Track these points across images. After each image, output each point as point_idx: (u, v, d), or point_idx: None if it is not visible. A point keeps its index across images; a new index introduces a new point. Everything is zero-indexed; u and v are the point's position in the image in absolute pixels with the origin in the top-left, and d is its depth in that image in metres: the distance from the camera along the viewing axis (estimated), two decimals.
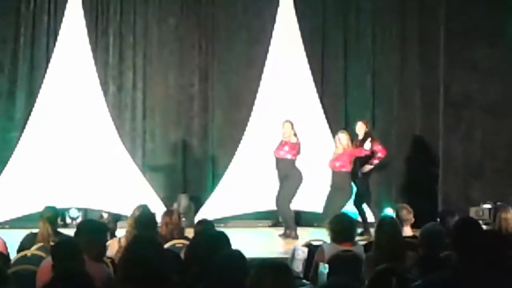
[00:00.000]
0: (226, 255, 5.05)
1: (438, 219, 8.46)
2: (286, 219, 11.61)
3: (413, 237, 7.57)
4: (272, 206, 12.03)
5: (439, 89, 14.00)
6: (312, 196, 12.29)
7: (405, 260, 6.16)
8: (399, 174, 14.08)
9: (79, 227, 5.95)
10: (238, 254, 4.94)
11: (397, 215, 8.13)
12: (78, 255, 5.42)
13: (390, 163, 14.00)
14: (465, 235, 4.73)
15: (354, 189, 11.72)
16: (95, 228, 5.90)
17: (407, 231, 7.95)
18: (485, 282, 4.31)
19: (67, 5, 13.47)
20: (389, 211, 11.66)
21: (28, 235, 7.96)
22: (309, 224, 12.80)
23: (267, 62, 13.78)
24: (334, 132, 13.58)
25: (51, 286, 4.20)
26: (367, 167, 11.91)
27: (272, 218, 13.36)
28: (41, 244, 7.55)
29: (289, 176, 11.51)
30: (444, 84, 13.96)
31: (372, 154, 11.91)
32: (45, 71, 13.40)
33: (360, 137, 12.04)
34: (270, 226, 13.35)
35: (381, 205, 12.99)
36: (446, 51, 13.97)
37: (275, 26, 13.88)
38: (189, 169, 14.05)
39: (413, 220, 8.20)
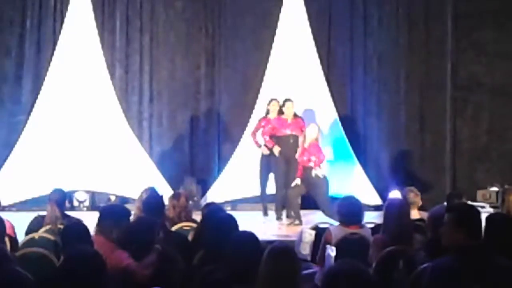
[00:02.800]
0: (239, 236, 5.07)
1: (445, 202, 8.47)
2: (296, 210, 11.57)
3: (420, 220, 7.58)
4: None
5: (447, 72, 13.98)
6: None
7: (412, 242, 6.17)
8: (406, 157, 14.06)
9: (103, 211, 5.97)
10: (251, 235, 4.97)
11: (404, 198, 8.13)
12: (86, 238, 5.45)
13: (397, 147, 14.00)
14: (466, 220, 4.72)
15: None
16: (120, 213, 5.92)
17: (415, 214, 7.95)
18: (493, 265, 4.31)
19: None
20: (396, 194, 11.65)
21: (36, 218, 7.99)
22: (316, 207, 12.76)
23: (274, 45, 13.76)
24: (340, 115, 13.65)
25: (62, 268, 4.21)
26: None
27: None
28: (49, 226, 7.58)
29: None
30: (452, 67, 13.93)
31: None
32: (52, 54, 13.41)
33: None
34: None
35: (388, 188, 12.98)
36: (453, 34, 13.94)
37: (282, 9, 13.85)
38: (196, 152, 14.05)
39: (420, 203, 8.22)
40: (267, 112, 12.13)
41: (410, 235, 6.26)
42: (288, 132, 11.81)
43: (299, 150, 11.63)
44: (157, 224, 6.01)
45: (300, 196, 11.61)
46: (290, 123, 11.85)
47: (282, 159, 11.73)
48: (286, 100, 12.02)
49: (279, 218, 11.72)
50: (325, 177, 11.20)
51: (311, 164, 11.19)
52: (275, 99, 12.17)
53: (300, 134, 11.80)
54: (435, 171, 13.88)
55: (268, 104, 12.14)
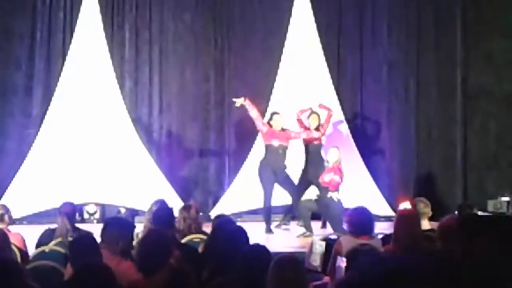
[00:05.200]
0: (250, 249, 5.07)
1: (456, 212, 8.44)
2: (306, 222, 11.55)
3: (431, 230, 7.55)
4: (288, 201, 12.05)
5: (456, 81, 13.97)
6: None
7: (423, 253, 6.14)
8: (416, 166, 14.04)
9: (107, 223, 5.96)
10: (263, 248, 4.97)
11: (414, 208, 8.10)
12: (96, 251, 5.44)
13: (407, 156, 13.98)
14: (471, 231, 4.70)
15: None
16: (123, 225, 5.91)
17: (425, 224, 7.91)
18: None
19: (83, 1, 13.53)
20: (406, 204, 11.61)
21: (46, 231, 7.99)
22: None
23: (283, 55, 13.77)
24: (350, 124, 13.64)
25: (72, 281, 4.22)
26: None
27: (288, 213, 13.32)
28: (59, 239, 7.58)
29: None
30: (461, 76, 13.92)
31: None
32: (62, 67, 13.44)
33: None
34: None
35: (398, 198, 12.93)
36: (462, 43, 13.94)
37: (291, 18, 13.87)
38: (206, 164, 14.06)
39: (430, 213, 8.18)
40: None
41: (421, 245, 6.23)
42: (277, 142, 11.84)
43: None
44: (171, 238, 5.99)
45: (311, 210, 11.58)
46: (279, 134, 11.86)
47: (270, 169, 11.74)
48: (274, 113, 12.07)
49: (268, 230, 11.72)
50: (339, 201, 11.16)
51: (330, 185, 11.17)
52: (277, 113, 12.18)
53: (287, 144, 11.86)
54: (445, 181, 13.84)
55: (271, 119, 12.11)
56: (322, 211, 11.60)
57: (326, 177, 11.16)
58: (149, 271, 4.88)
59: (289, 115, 12.43)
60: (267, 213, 11.88)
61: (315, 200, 11.40)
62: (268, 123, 12.03)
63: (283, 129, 11.96)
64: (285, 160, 11.83)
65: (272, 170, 11.72)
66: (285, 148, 11.84)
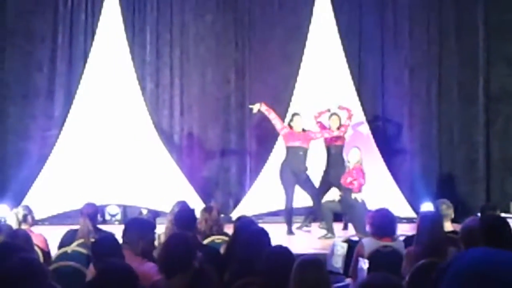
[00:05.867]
0: (273, 250, 5.06)
1: (479, 214, 8.40)
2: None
3: (453, 232, 7.52)
4: (310, 203, 12.03)
5: (478, 84, 13.90)
6: None
7: (446, 255, 6.11)
8: (438, 169, 13.99)
9: (128, 223, 5.96)
10: (286, 249, 4.97)
11: (436, 210, 8.07)
12: (118, 251, 5.44)
13: (429, 158, 13.94)
14: (495, 232, 4.69)
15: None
16: (144, 225, 5.91)
17: (447, 226, 7.87)
18: None
19: (104, 3, 13.57)
20: (428, 206, 11.58)
21: (68, 232, 8.03)
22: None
23: (304, 58, 13.76)
24: (371, 127, 13.60)
25: (95, 281, 4.22)
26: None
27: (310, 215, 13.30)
28: (82, 240, 7.61)
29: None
30: (484, 78, 13.85)
31: None
32: (83, 69, 13.49)
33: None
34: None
35: (420, 200, 12.91)
36: (484, 45, 13.88)
37: (312, 21, 13.85)
38: (227, 165, 14.08)
39: (452, 215, 8.13)
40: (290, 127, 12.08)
41: (444, 247, 6.20)
42: (297, 144, 11.83)
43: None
44: (195, 240, 5.98)
45: (333, 211, 11.56)
46: (300, 136, 11.84)
47: (290, 171, 11.73)
48: (294, 114, 12.06)
49: (290, 232, 11.71)
50: (363, 202, 11.13)
51: (353, 186, 11.14)
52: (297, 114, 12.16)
53: (308, 146, 11.85)
54: (468, 183, 13.79)
55: (291, 120, 12.09)
56: (345, 212, 11.57)
57: (348, 179, 11.13)
58: (171, 273, 4.88)
59: (310, 117, 12.42)
60: (288, 215, 11.86)
61: (338, 201, 11.37)
62: (289, 124, 12.01)
63: (303, 130, 11.94)
64: (305, 162, 11.81)
65: (292, 172, 11.71)
66: (305, 150, 11.83)
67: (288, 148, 11.87)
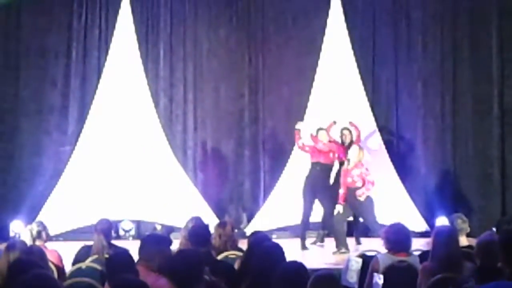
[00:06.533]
0: (288, 266, 5.04)
1: (494, 228, 8.35)
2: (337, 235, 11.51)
3: (469, 246, 7.47)
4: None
5: (492, 97, 13.84)
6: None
7: (462, 270, 6.07)
8: (453, 182, 13.93)
9: (145, 240, 5.95)
10: (300, 265, 4.95)
11: (451, 224, 8.02)
12: (132, 267, 5.43)
13: (444, 172, 13.88)
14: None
15: None
16: (161, 241, 5.89)
17: (463, 240, 7.83)
18: None
19: (118, 19, 13.61)
20: (443, 221, 11.54)
21: (82, 248, 8.03)
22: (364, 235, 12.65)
23: (317, 72, 13.74)
24: (385, 141, 13.57)
25: None
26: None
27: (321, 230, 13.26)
28: (96, 256, 7.61)
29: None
30: (497, 92, 13.80)
31: None
32: (97, 85, 13.53)
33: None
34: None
35: (435, 214, 12.85)
36: (498, 58, 13.82)
37: (325, 36, 13.84)
38: (241, 180, 14.08)
39: (468, 229, 8.09)
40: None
41: (460, 262, 6.16)
42: (314, 159, 11.82)
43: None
44: (204, 255, 5.97)
45: (345, 223, 11.55)
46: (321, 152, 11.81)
47: (310, 186, 11.72)
48: (320, 129, 12.04)
49: (303, 247, 11.69)
50: (369, 198, 11.14)
51: (357, 184, 11.14)
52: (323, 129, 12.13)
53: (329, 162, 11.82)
54: (483, 197, 13.70)
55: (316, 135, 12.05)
56: (355, 213, 11.54)
57: (348, 178, 11.16)
58: (184, 286, 4.87)
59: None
60: (303, 230, 11.84)
61: (347, 205, 11.33)
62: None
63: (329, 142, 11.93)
64: (326, 177, 11.77)
65: (312, 187, 11.68)
66: (324, 166, 11.79)
67: (311, 164, 11.88)
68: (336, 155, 11.93)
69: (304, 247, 11.68)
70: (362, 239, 12.09)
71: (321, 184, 11.75)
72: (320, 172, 11.77)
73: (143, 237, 6.19)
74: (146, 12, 14.03)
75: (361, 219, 11.75)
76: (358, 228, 12.19)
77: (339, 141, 12.39)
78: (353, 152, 11.39)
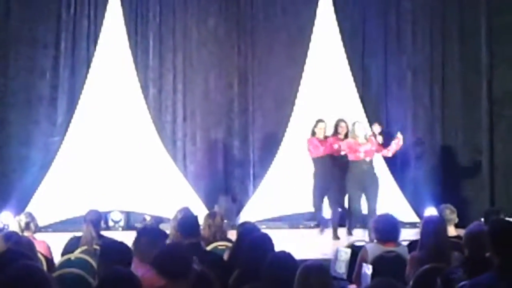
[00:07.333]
0: (276, 256, 5.06)
1: (482, 219, 8.38)
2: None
3: (457, 237, 7.50)
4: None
5: (481, 88, 13.87)
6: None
7: (450, 260, 6.10)
8: (442, 173, 13.96)
9: (140, 232, 5.94)
10: (289, 255, 4.96)
11: (440, 215, 8.05)
12: (124, 259, 5.42)
13: (433, 163, 13.91)
14: (503, 237, 4.69)
15: None
16: (156, 234, 5.88)
17: (451, 231, 7.86)
18: None
19: (107, 10, 13.58)
20: (432, 211, 11.56)
21: (72, 239, 8.02)
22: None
23: (307, 62, 13.75)
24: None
25: None
26: None
27: (313, 220, 13.27)
28: (85, 247, 7.60)
29: None
30: (486, 82, 13.82)
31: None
32: (86, 76, 13.49)
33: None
34: (311, 227, 13.28)
35: (424, 204, 12.89)
36: (487, 48, 13.84)
37: (315, 26, 13.84)
38: (230, 171, 14.06)
39: (456, 219, 8.12)
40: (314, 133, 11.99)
41: (448, 252, 6.19)
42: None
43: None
44: (193, 245, 5.98)
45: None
46: (323, 143, 11.79)
47: (322, 181, 11.71)
48: (319, 120, 12.00)
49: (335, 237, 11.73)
50: (376, 175, 11.31)
51: (361, 155, 11.22)
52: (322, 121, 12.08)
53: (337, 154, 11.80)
54: (471, 187, 13.75)
55: (315, 126, 11.99)
56: (364, 186, 11.52)
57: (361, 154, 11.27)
58: (172, 276, 4.87)
59: (313, 123, 12.30)
60: (321, 224, 11.94)
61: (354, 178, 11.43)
62: (313, 130, 11.90)
63: (325, 137, 11.87)
64: (336, 170, 11.76)
65: (324, 181, 11.68)
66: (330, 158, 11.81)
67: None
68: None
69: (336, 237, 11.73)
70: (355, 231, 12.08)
71: (328, 179, 11.74)
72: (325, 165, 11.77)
73: (138, 229, 6.19)
74: (135, 2, 13.96)
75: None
76: (350, 219, 12.16)
77: (335, 133, 12.21)
78: (358, 129, 11.46)
